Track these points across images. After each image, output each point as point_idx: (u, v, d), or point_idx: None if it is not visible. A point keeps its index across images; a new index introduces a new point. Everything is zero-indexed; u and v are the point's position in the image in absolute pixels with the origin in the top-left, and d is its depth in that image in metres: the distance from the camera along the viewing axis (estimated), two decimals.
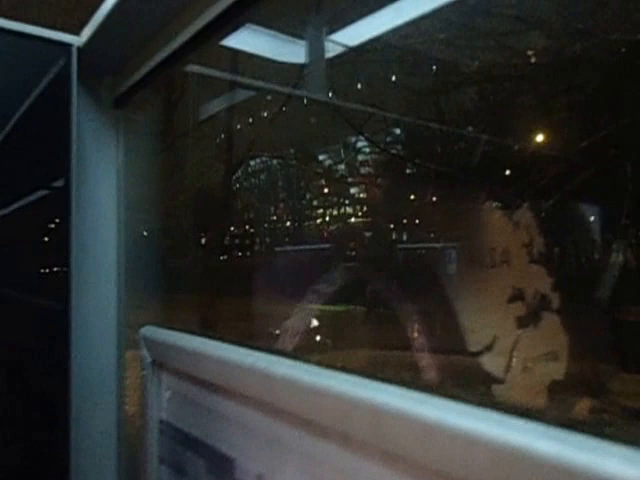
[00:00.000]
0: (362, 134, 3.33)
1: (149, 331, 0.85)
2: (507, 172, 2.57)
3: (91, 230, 0.95)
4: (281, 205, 5.30)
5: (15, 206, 1.10)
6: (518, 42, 2.01)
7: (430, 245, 2.97)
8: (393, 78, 2.66)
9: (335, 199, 4.80)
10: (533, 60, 2.15)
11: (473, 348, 1.50)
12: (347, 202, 4.54)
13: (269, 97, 3.12)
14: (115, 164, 0.97)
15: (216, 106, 2.71)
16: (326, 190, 4.93)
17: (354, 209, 4.52)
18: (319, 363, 0.55)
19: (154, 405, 0.83)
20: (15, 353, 1.02)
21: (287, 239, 5.10)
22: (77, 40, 0.84)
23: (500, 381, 1.51)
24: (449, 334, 1.64)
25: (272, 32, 1.52)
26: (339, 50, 1.79)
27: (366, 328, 2.79)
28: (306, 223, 5.26)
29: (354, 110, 2.84)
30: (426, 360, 1.66)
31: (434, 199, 2.85)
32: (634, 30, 1.78)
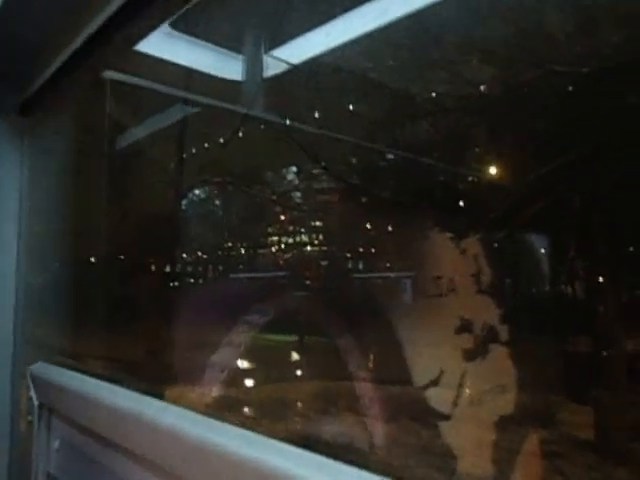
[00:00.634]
0: (317, 161, 3.30)
1: (39, 369, 0.75)
2: (460, 202, 2.58)
3: None
4: (235, 232, 5.24)
5: None
6: (469, 71, 2.02)
7: (385, 275, 2.94)
8: (350, 107, 2.65)
9: (291, 227, 4.75)
10: (484, 91, 2.17)
11: (419, 382, 1.44)
12: (303, 230, 4.50)
13: (222, 118, 3.05)
14: (18, 180, 0.87)
15: (159, 124, 2.62)
16: (282, 217, 4.88)
17: (310, 237, 4.48)
18: (212, 415, 0.47)
19: (41, 456, 0.72)
20: None
21: (241, 267, 5.05)
22: None
23: (446, 417, 1.45)
24: (395, 367, 1.57)
25: (214, 46, 1.46)
26: (282, 67, 1.74)
27: (311, 360, 2.69)
28: (261, 251, 5.19)
29: (302, 132, 2.81)
30: (369, 394, 1.58)
31: (389, 228, 2.83)
32: (580, 62, 1.81)
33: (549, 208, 2.43)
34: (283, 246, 4.67)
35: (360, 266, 3.41)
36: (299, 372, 2.51)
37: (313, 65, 2.22)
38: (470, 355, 1.49)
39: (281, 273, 4.22)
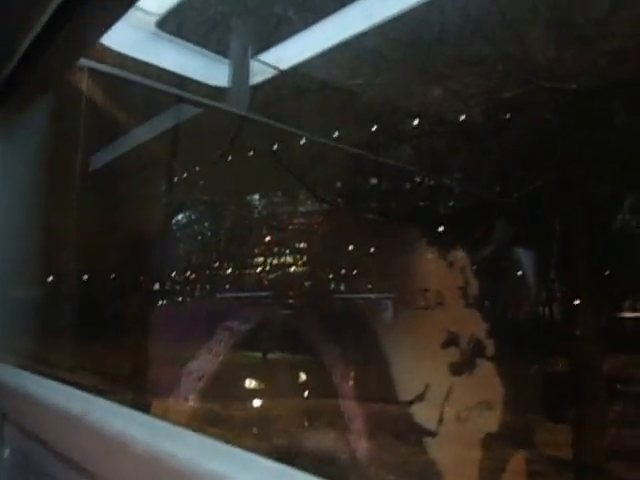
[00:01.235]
0: (303, 183, 3.29)
1: None
2: (442, 225, 2.60)
3: None
4: (222, 251, 5.22)
5: None
6: (458, 85, 2.03)
7: (367, 296, 2.93)
8: (335, 133, 2.64)
9: (276, 248, 4.74)
10: (472, 107, 2.19)
11: (404, 397, 1.40)
12: (287, 251, 4.49)
13: (213, 135, 3.01)
14: None
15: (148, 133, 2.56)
16: (267, 238, 4.87)
17: (294, 258, 4.47)
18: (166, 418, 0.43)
19: None
20: None
21: (227, 286, 5.03)
22: None
23: (432, 433, 1.41)
24: (380, 382, 1.53)
25: (200, 49, 1.43)
26: (270, 73, 1.71)
27: (294, 377, 2.63)
28: (247, 271, 5.16)
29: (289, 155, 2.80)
30: (353, 410, 1.53)
31: (371, 250, 2.82)
32: (568, 78, 1.84)
33: (532, 228, 2.45)
34: (268, 267, 4.65)
35: (346, 280, 3.40)
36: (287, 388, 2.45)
37: (298, 84, 2.21)
38: (457, 369, 1.46)
39: (265, 293, 4.18)
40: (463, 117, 2.26)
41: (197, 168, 3.47)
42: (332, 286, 3.37)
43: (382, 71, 2.11)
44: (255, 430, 2.35)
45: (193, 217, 5.04)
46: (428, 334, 1.46)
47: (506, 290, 2.51)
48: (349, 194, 2.99)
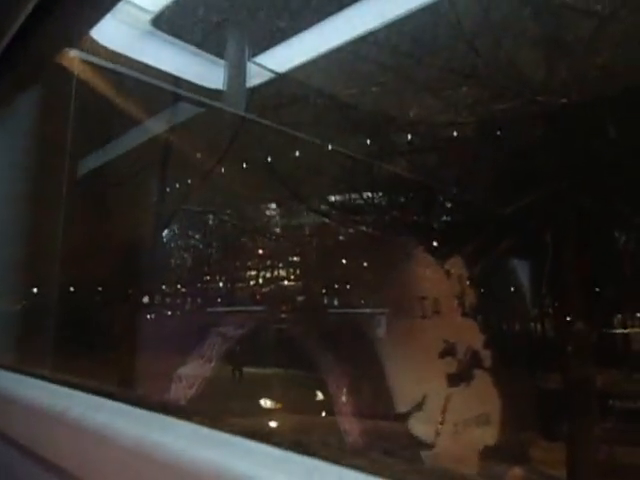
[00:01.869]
0: (297, 197, 3.27)
1: None
2: (437, 235, 2.59)
3: None
4: (214, 265, 5.17)
5: None
6: (453, 97, 2.03)
7: (361, 310, 2.90)
8: (329, 147, 2.63)
9: (269, 262, 4.70)
10: (466, 120, 2.19)
11: (401, 408, 1.35)
12: (281, 265, 4.46)
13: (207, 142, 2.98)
14: None
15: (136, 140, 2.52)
16: (260, 252, 4.84)
17: (287, 272, 4.44)
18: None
19: None
20: None
21: (219, 300, 4.98)
22: None
23: (429, 446, 1.36)
24: (376, 393, 1.48)
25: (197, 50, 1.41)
26: (266, 77, 1.69)
27: (285, 390, 2.56)
28: (239, 285, 5.12)
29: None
30: (350, 423, 1.48)
31: (365, 264, 2.80)
32: (560, 93, 1.85)
33: (525, 242, 2.44)
34: (260, 280, 4.60)
35: (341, 288, 3.36)
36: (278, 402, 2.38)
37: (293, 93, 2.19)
38: (454, 380, 1.42)
39: (258, 307, 4.12)
40: (455, 129, 2.27)
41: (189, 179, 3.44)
42: (326, 293, 3.33)
43: (375, 80, 2.11)
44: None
45: (181, 228, 4.99)
46: (425, 343, 1.42)
47: (499, 302, 2.49)
48: (344, 205, 2.98)
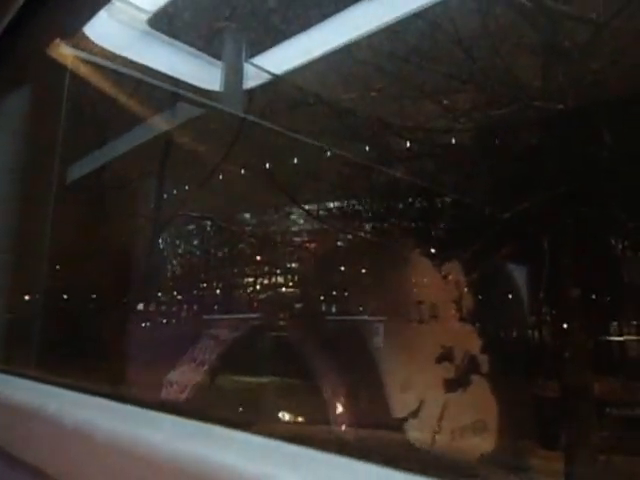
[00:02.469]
0: (296, 203, 3.26)
1: None
2: (434, 239, 2.58)
3: None
4: (210, 271, 5.15)
5: None
6: (451, 102, 2.03)
7: (359, 318, 2.88)
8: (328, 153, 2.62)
9: (266, 268, 4.68)
10: (463, 126, 2.19)
11: (397, 414, 1.33)
12: (278, 271, 4.44)
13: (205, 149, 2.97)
14: None
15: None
16: (258, 258, 4.82)
17: (285, 279, 4.42)
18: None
19: None
20: None
21: (216, 307, 4.95)
22: None
23: (426, 453, 1.34)
24: (372, 400, 1.47)
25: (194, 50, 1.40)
26: (264, 78, 1.68)
27: (279, 398, 2.53)
28: (236, 292, 5.09)
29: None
30: (346, 429, 1.46)
31: (363, 271, 2.79)
32: (557, 98, 1.85)
33: (523, 248, 2.43)
34: (258, 287, 4.58)
35: (338, 293, 3.34)
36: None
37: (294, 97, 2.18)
38: (451, 386, 1.41)
39: (254, 315, 4.09)
40: (453, 134, 2.27)
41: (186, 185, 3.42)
42: (321, 298, 3.31)
43: (375, 85, 2.10)
44: None
45: (178, 235, 4.97)
46: (421, 348, 1.41)
47: (496, 307, 2.47)
48: (341, 210, 2.97)
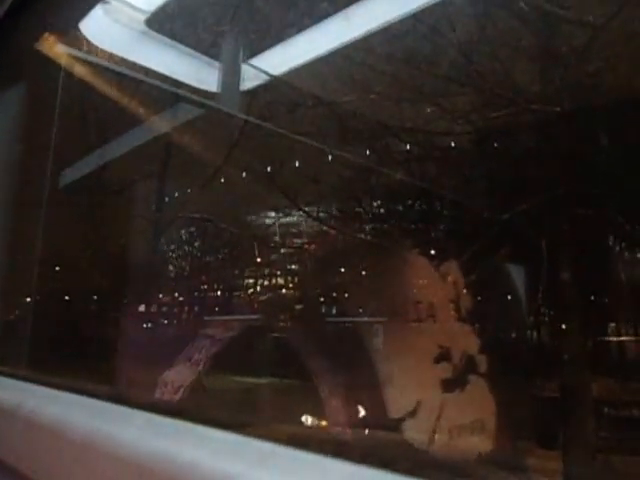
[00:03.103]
0: (296, 205, 3.26)
1: None
2: (433, 240, 2.59)
3: None
4: (211, 272, 5.16)
5: None
6: (449, 104, 2.04)
7: (359, 319, 2.87)
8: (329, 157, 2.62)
9: (267, 270, 4.69)
10: (461, 130, 2.20)
11: (395, 415, 1.34)
12: (279, 273, 4.44)
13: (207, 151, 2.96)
14: None
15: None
16: (258, 260, 4.82)
17: (285, 280, 4.42)
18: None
19: None
20: None
21: (216, 309, 4.97)
22: None
23: (423, 453, 1.35)
24: (369, 400, 1.47)
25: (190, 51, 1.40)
26: (262, 79, 1.68)
27: (276, 397, 2.52)
28: (236, 293, 5.10)
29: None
30: (343, 430, 1.46)
31: (363, 272, 2.79)
32: (553, 100, 1.86)
33: (520, 250, 2.44)
34: (258, 288, 4.58)
35: (336, 292, 3.35)
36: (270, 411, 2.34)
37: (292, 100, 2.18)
38: (449, 386, 1.41)
39: (255, 316, 4.09)
40: (452, 136, 2.27)
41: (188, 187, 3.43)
42: (319, 299, 3.31)
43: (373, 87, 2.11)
44: None
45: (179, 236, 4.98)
46: (419, 348, 1.41)
47: (495, 307, 2.48)
48: (339, 211, 2.98)
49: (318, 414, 1.57)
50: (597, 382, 2.47)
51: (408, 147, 2.45)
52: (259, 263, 4.49)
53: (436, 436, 1.38)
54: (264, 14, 1.70)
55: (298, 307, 3.90)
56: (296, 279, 4.08)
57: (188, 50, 1.52)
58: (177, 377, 1.73)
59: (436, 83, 2.01)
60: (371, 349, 1.42)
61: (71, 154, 2.56)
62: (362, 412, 1.51)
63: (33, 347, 2.26)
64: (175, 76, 1.57)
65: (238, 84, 1.61)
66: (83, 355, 3.05)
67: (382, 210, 2.95)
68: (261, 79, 1.63)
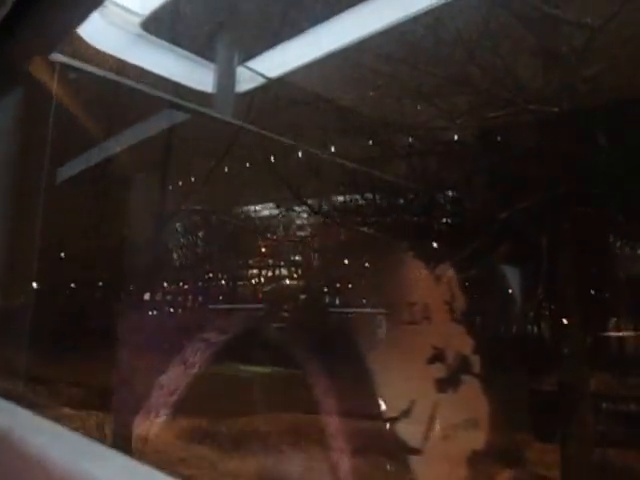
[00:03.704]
0: (298, 197, 3.27)
1: None
2: (431, 240, 2.60)
3: None
4: (215, 263, 5.23)
5: None
6: (447, 104, 2.04)
7: (362, 310, 2.90)
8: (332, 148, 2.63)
9: (271, 260, 4.73)
10: (461, 128, 2.19)
11: (389, 413, 1.36)
12: (283, 264, 4.49)
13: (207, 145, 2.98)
14: None
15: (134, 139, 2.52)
16: (263, 250, 4.87)
17: (289, 271, 4.47)
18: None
19: None
20: None
21: (221, 298, 5.05)
22: None
23: (417, 451, 1.37)
24: (365, 398, 1.49)
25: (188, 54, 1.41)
26: (258, 81, 1.69)
27: (274, 391, 2.56)
28: (240, 283, 5.16)
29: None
30: (335, 426, 1.49)
31: (366, 264, 2.81)
32: (551, 101, 1.86)
33: (520, 247, 2.44)
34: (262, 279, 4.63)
35: (332, 293, 3.38)
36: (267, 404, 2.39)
37: (292, 95, 2.18)
38: (442, 386, 1.43)
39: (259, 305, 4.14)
40: (450, 135, 2.27)
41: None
42: (320, 299, 3.35)
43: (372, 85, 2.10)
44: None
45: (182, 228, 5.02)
46: (413, 349, 1.43)
47: (497, 306, 2.49)
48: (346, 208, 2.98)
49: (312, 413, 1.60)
50: (595, 377, 2.49)
51: (406, 148, 2.45)
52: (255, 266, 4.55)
53: (429, 434, 1.41)
54: (256, 18, 1.71)
55: (292, 309, 3.93)
56: (290, 283, 4.12)
57: (183, 52, 1.53)
58: (172, 380, 1.76)
59: (437, 83, 2.00)
60: (365, 351, 1.44)
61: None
62: (358, 412, 1.54)
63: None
64: (171, 77, 1.58)
65: (233, 85, 1.61)
66: None
67: (374, 212, 2.95)
68: (257, 80, 1.64)
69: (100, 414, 2.11)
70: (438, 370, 1.43)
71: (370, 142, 2.51)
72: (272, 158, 2.80)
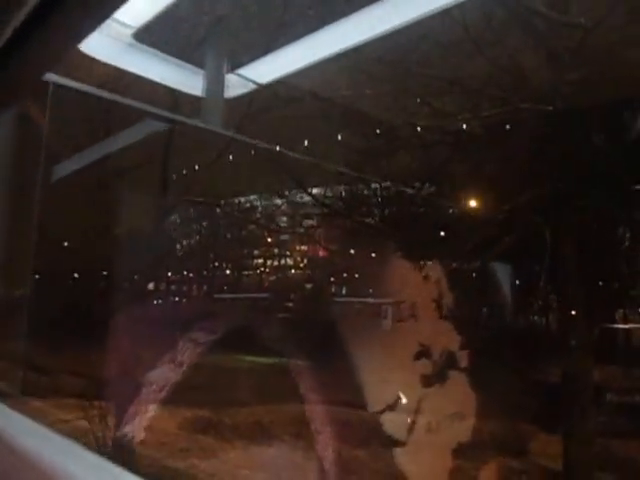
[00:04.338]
0: (302, 187, 3.30)
1: None
2: (440, 232, 2.60)
3: None
4: (221, 252, 5.29)
5: None
6: (443, 104, 2.05)
7: (366, 300, 2.92)
8: (339, 137, 2.63)
9: (276, 250, 4.79)
10: (459, 125, 2.19)
11: (375, 408, 1.42)
12: (288, 254, 4.54)
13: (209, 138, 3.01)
14: None
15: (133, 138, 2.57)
16: (269, 240, 4.93)
17: (295, 261, 4.52)
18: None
19: None
20: None
21: (226, 287, 5.11)
22: None
23: (401, 443, 1.42)
24: (351, 391, 1.55)
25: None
26: (249, 87, 1.73)
27: (266, 382, 2.61)
28: (246, 272, 5.23)
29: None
30: (322, 418, 1.55)
31: (373, 255, 2.84)
32: (544, 100, 1.85)
33: (522, 240, 2.44)
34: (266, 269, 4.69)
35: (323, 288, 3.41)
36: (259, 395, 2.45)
37: (290, 93, 2.20)
38: (428, 381, 1.47)
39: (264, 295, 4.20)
40: (446, 133, 2.27)
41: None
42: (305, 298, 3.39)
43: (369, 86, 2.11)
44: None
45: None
46: (399, 346, 1.47)
47: (490, 301, 2.50)
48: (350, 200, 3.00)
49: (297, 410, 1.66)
50: (598, 369, 2.49)
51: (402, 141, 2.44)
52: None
53: (414, 427, 1.45)
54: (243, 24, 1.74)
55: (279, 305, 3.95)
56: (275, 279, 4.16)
57: (173, 59, 1.57)
58: (161, 377, 1.85)
59: (434, 84, 2.01)
60: (352, 347, 1.48)
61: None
62: (343, 406, 1.59)
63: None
64: (163, 82, 1.63)
65: (222, 91, 1.65)
66: None
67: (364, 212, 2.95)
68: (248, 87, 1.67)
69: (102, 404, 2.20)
70: (424, 366, 1.47)
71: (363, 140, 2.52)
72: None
